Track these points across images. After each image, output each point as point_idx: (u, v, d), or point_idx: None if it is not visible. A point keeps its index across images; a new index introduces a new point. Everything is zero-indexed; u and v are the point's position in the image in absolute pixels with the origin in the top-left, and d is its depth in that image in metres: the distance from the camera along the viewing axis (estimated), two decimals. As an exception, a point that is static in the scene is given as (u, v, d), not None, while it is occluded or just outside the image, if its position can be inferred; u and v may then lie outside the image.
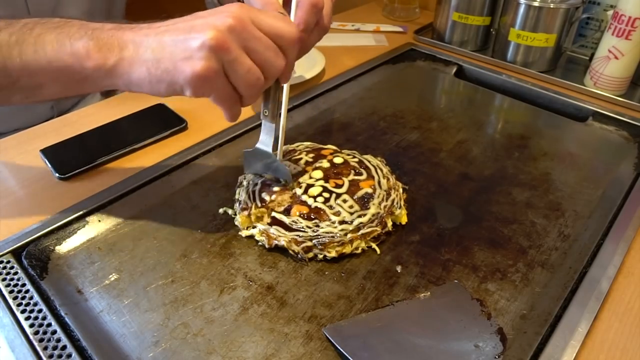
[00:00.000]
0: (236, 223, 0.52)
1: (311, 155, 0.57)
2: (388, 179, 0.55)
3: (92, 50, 0.41)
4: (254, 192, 0.53)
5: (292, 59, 0.43)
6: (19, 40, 0.43)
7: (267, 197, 0.52)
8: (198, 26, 0.39)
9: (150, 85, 0.42)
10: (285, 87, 0.56)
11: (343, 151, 0.59)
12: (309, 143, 0.62)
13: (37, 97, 0.46)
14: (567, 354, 0.40)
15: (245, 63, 0.40)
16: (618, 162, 0.65)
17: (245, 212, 0.51)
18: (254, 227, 0.51)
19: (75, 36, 0.42)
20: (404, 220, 0.53)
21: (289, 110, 0.71)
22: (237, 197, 0.54)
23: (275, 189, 0.52)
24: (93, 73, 0.42)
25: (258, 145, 0.52)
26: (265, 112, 0.49)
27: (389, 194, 0.53)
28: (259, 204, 0.51)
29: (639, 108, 0.75)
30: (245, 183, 0.55)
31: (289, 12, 0.50)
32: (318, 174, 0.54)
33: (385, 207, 0.51)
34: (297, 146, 0.61)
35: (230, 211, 0.54)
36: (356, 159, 0.57)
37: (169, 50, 0.40)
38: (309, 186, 0.53)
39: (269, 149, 0.51)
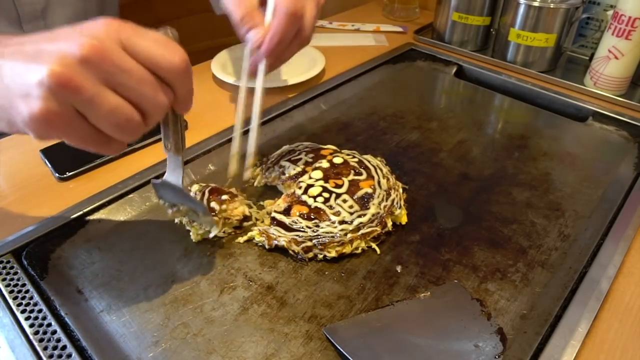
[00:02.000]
0: (191, 236, 0.51)
1: (311, 155, 0.58)
2: (388, 179, 0.55)
3: None
4: (201, 201, 0.51)
5: (183, 89, 0.36)
6: None
7: (216, 207, 0.50)
8: (44, 53, 0.31)
9: None
10: (258, 96, 0.52)
11: (343, 151, 0.60)
12: (308, 143, 0.62)
13: None
14: (567, 354, 0.40)
15: (106, 103, 0.32)
16: (618, 162, 0.65)
17: (197, 225, 0.50)
18: (252, 229, 0.51)
19: None
20: (404, 220, 0.53)
21: (289, 110, 0.72)
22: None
23: (224, 197, 0.51)
24: None
25: (165, 178, 0.46)
26: (167, 145, 0.43)
27: (388, 194, 0.53)
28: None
29: (639, 108, 0.75)
30: (192, 194, 0.53)
31: (264, 18, 0.46)
32: (318, 174, 0.54)
33: (385, 207, 0.51)
34: (297, 146, 0.61)
35: (184, 220, 0.52)
36: (356, 159, 0.57)
37: (6, 82, 0.32)
38: (309, 186, 0.53)
39: (179, 184, 0.45)
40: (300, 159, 0.57)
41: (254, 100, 0.55)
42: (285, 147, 0.61)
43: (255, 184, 0.58)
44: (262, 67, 0.53)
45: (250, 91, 0.55)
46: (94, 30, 0.32)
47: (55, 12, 0.75)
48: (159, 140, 0.64)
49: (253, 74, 0.54)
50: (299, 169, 0.55)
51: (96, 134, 0.34)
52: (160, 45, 0.33)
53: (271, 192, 0.57)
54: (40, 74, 0.30)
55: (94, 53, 0.31)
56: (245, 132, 0.53)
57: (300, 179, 0.54)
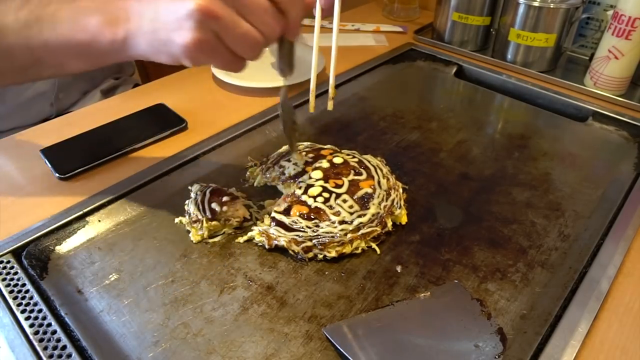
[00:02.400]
0: (190, 237, 0.51)
1: (311, 155, 0.58)
2: (388, 179, 0.55)
3: (103, 26, 0.41)
4: (202, 202, 0.51)
5: (294, 15, 0.42)
6: (37, 19, 0.43)
7: (217, 208, 0.51)
8: None
9: (154, 56, 0.41)
10: (335, 31, 0.55)
11: (342, 151, 0.60)
12: (308, 143, 0.62)
13: (65, 72, 0.47)
14: (567, 354, 0.40)
15: (239, 28, 0.39)
16: (618, 162, 0.65)
17: (197, 225, 0.50)
18: (252, 229, 0.51)
19: (87, 11, 0.42)
20: (404, 220, 0.53)
21: (294, 107, 0.71)
22: (186, 207, 0.53)
23: (225, 198, 0.52)
24: (109, 48, 0.42)
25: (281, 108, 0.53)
26: (282, 68, 0.49)
27: (388, 194, 0.53)
28: (210, 216, 0.50)
29: (639, 108, 0.75)
30: (192, 194, 0.53)
31: None
32: (318, 174, 0.54)
33: (385, 207, 0.51)
34: (297, 146, 0.61)
35: (185, 220, 0.52)
36: (356, 159, 0.57)
37: (162, 19, 0.39)
38: (309, 186, 0.53)
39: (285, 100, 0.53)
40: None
41: (332, 34, 0.55)
42: (285, 147, 0.61)
43: (255, 184, 0.58)
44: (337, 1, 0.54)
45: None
46: None
47: None
48: (158, 141, 0.64)
49: (329, 11, 0.55)
50: (299, 169, 0.55)
51: (232, 56, 0.41)
52: None
53: (271, 192, 0.57)
54: (190, 7, 0.37)
55: None
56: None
57: (300, 179, 0.54)
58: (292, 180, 0.55)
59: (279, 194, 0.56)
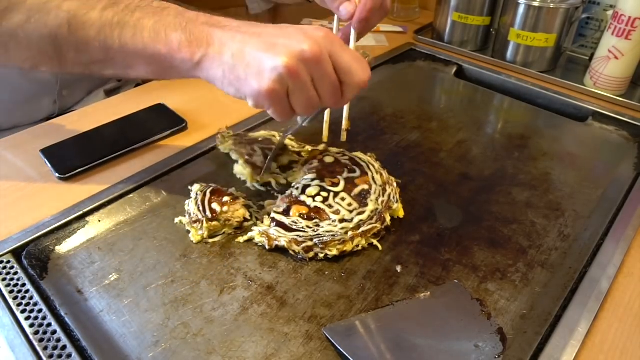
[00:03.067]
0: (190, 237, 0.51)
1: (300, 156, 0.58)
2: (381, 174, 0.55)
3: (183, 44, 0.44)
4: (202, 202, 0.51)
5: (350, 98, 0.45)
6: (120, 22, 0.45)
7: (217, 208, 0.51)
8: (279, 46, 0.41)
9: (221, 85, 0.44)
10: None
11: (331, 149, 0.60)
12: (293, 143, 0.62)
13: (127, 75, 0.49)
14: (567, 354, 0.40)
15: (309, 92, 0.43)
16: (618, 162, 0.65)
17: (197, 225, 0.50)
18: (252, 229, 0.51)
19: (171, 26, 0.44)
20: (401, 213, 0.53)
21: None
22: (186, 208, 0.53)
23: (225, 199, 0.52)
24: (181, 64, 0.45)
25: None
26: (302, 122, 0.52)
27: (384, 189, 0.53)
28: (210, 216, 0.50)
29: (639, 108, 0.75)
30: (192, 194, 0.53)
31: None
32: (311, 174, 0.54)
33: (382, 202, 0.52)
34: (273, 136, 0.62)
35: (185, 220, 0.52)
36: (346, 157, 0.57)
37: (246, 60, 0.42)
38: (306, 186, 0.53)
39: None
40: (268, 153, 0.58)
41: None
42: (264, 132, 0.63)
43: (222, 149, 0.61)
44: (353, 35, 0.57)
45: None
46: (318, 37, 0.42)
47: None
48: (158, 141, 0.64)
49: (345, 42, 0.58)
50: (261, 164, 0.57)
51: (290, 109, 0.44)
52: (358, 62, 0.43)
53: (271, 192, 0.57)
54: (277, 62, 0.40)
55: (315, 56, 0.41)
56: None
57: (296, 179, 0.54)
58: (250, 166, 0.57)
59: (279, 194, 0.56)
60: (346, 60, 0.43)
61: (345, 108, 0.58)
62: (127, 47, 0.45)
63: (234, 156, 0.60)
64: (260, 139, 0.61)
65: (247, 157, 0.58)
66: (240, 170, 0.58)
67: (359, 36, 0.57)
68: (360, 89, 0.45)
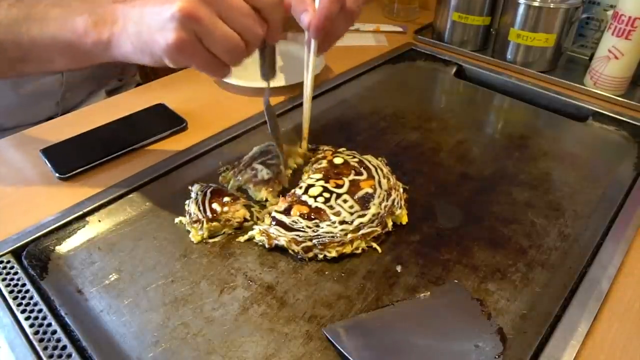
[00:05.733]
0: (190, 237, 0.51)
1: (313, 155, 0.58)
2: (388, 179, 0.55)
3: (89, 27, 0.43)
4: (203, 202, 0.51)
5: (275, 20, 0.43)
6: (26, 17, 0.45)
7: (218, 208, 0.51)
8: None
9: (137, 57, 0.43)
10: (310, 76, 0.58)
11: (343, 151, 0.60)
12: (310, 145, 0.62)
13: (49, 69, 0.49)
14: (567, 354, 0.40)
15: (219, 31, 0.40)
16: (618, 162, 0.65)
17: (197, 225, 0.50)
18: (253, 229, 0.51)
19: (76, 12, 0.44)
20: (404, 220, 0.53)
21: (289, 111, 0.72)
22: (186, 208, 0.53)
23: (226, 199, 0.52)
24: (93, 48, 0.44)
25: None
26: (264, 73, 0.50)
27: (389, 194, 0.53)
28: (210, 216, 0.50)
29: (639, 108, 0.75)
30: (193, 194, 0.53)
31: (314, 2, 0.51)
32: (318, 174, 0.54)
33: (385, 207, 0.51)
34: (268, 146, 0.61)
35: (185, 220, 0.52)
36: (356, 159, 0.57)
37: (147, 22, 0.41)
38: (309, 186, 0.53)
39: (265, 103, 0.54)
40: (274, 163, 0.56)
41: (305, 81, 0.58)
42: (256, 149, 0.60)
43: (229, 187, 0.57)
44: (312, 47, 0.55)
45: None
46: None
47: None
48: (158, 141, 0.64)
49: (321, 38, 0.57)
50: (271, 175, 0.55)
51: (212, 58, 0.42)
52: None
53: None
54: (172, 9, 0.39)
55: None
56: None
57: (301, 179, 0.54)
58: (263, 185, 0.54)
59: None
60: None
61: (306, 111, 0.57)
62: (37, 41, 0.45)
63: (244, 187, 0.57)
64: (255, 156, 0.58)
65: (253, 180, 0.55)
66: (258, 195, 0.55)
67: (321, 47, 0.55)
68: (275, 9, 0.43)
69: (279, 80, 0.76)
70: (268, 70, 0.50)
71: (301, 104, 0.63)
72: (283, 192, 0.55)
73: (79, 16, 0.44)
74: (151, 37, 0.41)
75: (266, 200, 0.55)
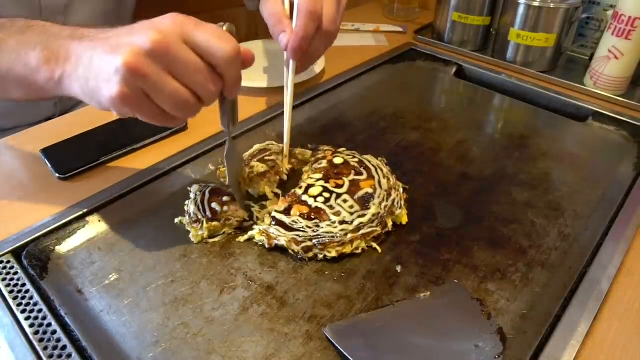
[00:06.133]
0: (191, 237, 0.51)
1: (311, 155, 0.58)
2: (389, 179, 0.55)
3: (41, 62, 0.42)
4: (202, 202, 0.51)
5: (231, 77, 0.41)
6: None
7: (217, 208, 0.51)
8: (121, 46, 0.38)
9: (86, 100, 0.42)
10: (290, 87, 0.58)
11: (343, 151, 0.60)
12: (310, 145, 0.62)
13: (8, 98, 0.48)
14: (567, 354, 0.40)
15: (167, 87, 0.39)
16: (618, 162, 0.65)
17: (197, 225, 0.50)
18: (253, 229, 0.51)
19: (31, 45, 0.43)
20: (404, 220, 0.53)
21: (294, 107, 0.72)
22: (186, 208, 0.53)
23: (225, 198, 0.52)
24: (45, 85, 0.43)
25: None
26: (225, 124, 0.48)
27: (389, 194, 0.53)
28: (210, 216, 0.50)
29: (639, 108, 0.75)
30: (192, 194, 0.53)
31: (292, 23, 0.50)
32: (318, 174, 0.54)
33: (385, 207, 0.51)
34: (268, 145, 0.61)
35: (185, 220, 0.52)
36: (356, 159, 0.57)
37: (95, 69, 0.40)
38: (309, 186, 0.53)
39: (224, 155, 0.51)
40: (271, 159, 0.56)
41: (284, 98, 0.58)
42: (257, 146, 0.60)
43: (228, 183, 0.57)
44: (291, 67, 0.56)
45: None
46: (163, 25, 0.38)
47: (77, 8, 0.77)
48: (158, 141, 0.64)
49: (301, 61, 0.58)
50: (267, 168, 0.55)
51: (161, 112, 0.41)
52: (216, 37, 0.39)
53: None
54: (117, 63, 0.37)
55: (159, 46, 0.37)
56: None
57: (301, 179, 0.54)
58: (260, 177, 0.55)
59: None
60: (202, 39, 0.39)
61: (287, 128, 0.56)
62: None
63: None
64: (255, 153, 0.59)
65: (250, 175, 0.55)
66: (256, 188, 0.56)
67: (300, 66, 0.55)
68: (230, 65, 0.40)
69: (261, 82, 0.76)
70: (228, 122, 0.48)
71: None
72: (283, 191, 0.55)
73: (32, 50, 0.42)
74: (97, 86, 0.39)
75: (264, 195, 0.55)
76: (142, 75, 0.37)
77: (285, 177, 0.57)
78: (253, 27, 1.25)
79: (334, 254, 0.48)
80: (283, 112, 0.71)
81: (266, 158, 0.57)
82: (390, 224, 0.51)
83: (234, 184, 0.53)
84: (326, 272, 0.48)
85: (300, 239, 0.48)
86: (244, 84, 0.75)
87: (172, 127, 0.42)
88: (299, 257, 0.49)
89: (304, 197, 0.51)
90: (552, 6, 0.78)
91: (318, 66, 0.81)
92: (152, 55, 0.37)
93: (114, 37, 0.40)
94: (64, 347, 0.40)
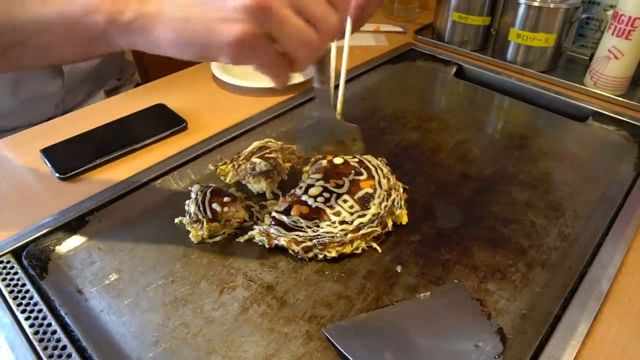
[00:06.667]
0: (191, 237, 0.51)
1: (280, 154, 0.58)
2: (388, 179, 0.55)
3: (105, 1, 0.36)
4: (203, 202, 0.51)
5: (344, 13, 0.38)
6: None
7: (218, 208, 0.51)
8: None
9: (176, 49, 0.36)
10: (346, 53, 0.57)
11: None
12: (281, 143, 0.62)
13: (49, 58, 0.42)
14: (567, 354, 0.40)
15: (294, 23, 0.35)
16: (618, 162, 0.65)
17: (197, 225, 0.50)
18: (253, 229, 0.51)
19: None
20: (404, 220, 0.53)
21: (289, 110, 0.72)
22: (186, 208, 0.53)
23: (226, 199, 0.52)
24: (106, 29, 0.37)
25: (321, 114, 0.47)
26: (321, 77, 0.44)
27: (389, 194, 0.53)
28: (210, 216, 0.50)
29: (639, 108, 0.75)
30: (192, 194, 0.53)
31: None
32: (318, 174, 0.54)
33: (385, 207, 0.51)
34: (267, 142, 0.61)
35: (185, 220, 0.52)
36: (356, 159, 0.57)
37: (200, 8, 0.35)
38: (309, 186, 0.53)
39: (334, 114, 0.47)
40: (272, 157, 0.56)
41: (343, 57, 0.57)
42: (256, 143, 0.60)
43: (228, 180, 0.58)
44: (349, 24, 0.54)
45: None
46: None
47: None
48: (158, 141, 0.64)
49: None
50: (270, 167, 0.55)
51: (281, 57, 0.37)
52: None
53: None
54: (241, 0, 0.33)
55: None
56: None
57: (301, 179, 0.54)
58: (262, 175, 0.55)
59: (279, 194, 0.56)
60: None
61: (341, 90, 0.54)
62: (37, 20, 0.37)
63: (243, 181, 0.57)
64: (255, 150, 0.59)
65: (252, 172, 0.55)
66: (257, 186, 0.56)
67: (355, 25, 0.55)
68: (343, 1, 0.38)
69: (261, 82, 0.75)
70: (326, 72, 0.44)
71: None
72: (283, 191, 0.55)
73: None
74: (209, 28, 0.34)
75: (265, 193, 0.55)
76: (268, 10, 0.33)
77: (285, 177, 0.57)
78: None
79: (334, 254, 0.48)
80: (283, 112, 0.71)
81: (267, 155, 0.57)
82: (390, 224, 0.51)
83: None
84: (326, 272, 0.48)
85: (300, 239, 0.48)
86: (244, 84, 0.76)
87: (283, 78, 0.39)
88: (299, 257, 0.49)
89: (304, 197, 0.51)
90: (552, 6, 0.78)
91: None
92: None
93: None
94: (64, 347, 0.40)
